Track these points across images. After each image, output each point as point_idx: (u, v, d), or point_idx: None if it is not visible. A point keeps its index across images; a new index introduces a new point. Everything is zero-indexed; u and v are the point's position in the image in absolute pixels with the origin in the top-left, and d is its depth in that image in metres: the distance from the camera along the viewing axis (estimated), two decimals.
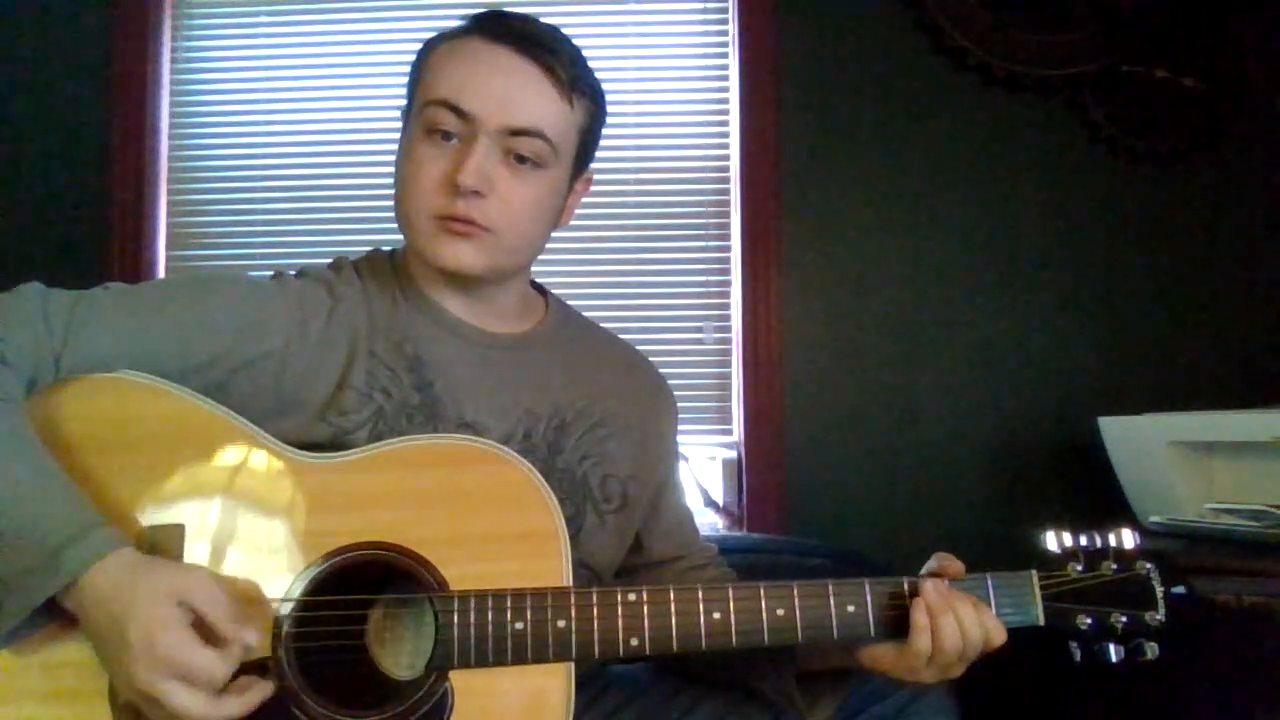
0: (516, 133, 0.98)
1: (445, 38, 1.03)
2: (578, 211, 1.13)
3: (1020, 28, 2.04)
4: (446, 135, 0.98)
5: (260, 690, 0.83)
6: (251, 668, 0.83)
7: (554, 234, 1.10)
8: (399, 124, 1.07)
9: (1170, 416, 1.67)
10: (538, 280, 1.17)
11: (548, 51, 0.99)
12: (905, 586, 0.93)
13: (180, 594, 0.79)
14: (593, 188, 1.14)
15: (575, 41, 1.04)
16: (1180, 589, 0.93)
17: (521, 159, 0.99)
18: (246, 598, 0.86)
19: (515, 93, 0.98)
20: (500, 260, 1.01)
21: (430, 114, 0.98)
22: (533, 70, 0.98)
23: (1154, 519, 1.63)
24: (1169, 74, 2.04)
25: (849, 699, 1.05)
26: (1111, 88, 2.05)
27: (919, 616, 0.90)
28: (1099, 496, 1.79)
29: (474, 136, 0.97)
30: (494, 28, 1.00)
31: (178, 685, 0.76)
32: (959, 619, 0.90)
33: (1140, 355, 2.04)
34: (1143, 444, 1.69)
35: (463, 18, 1.04)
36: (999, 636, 0.91)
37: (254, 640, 0.82)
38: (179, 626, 0.78)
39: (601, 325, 1.23)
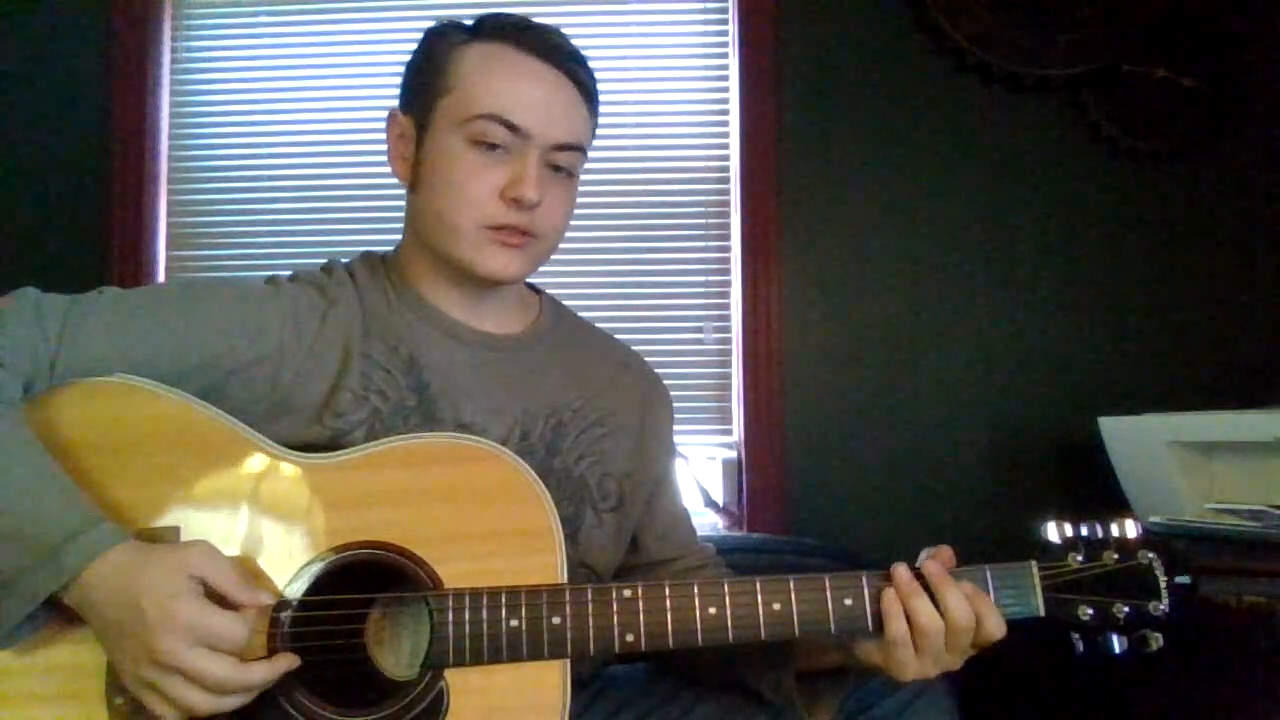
0: (560, 147, 1.01)
1: (466, 40, 1.03)
2: (578, 211, 1.13)
3: (1020, 28, 2.04)
4: (492, 146, 1.00)
5: (286, 660, 0.84)
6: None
7: None
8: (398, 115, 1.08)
9: (1170, 416, 1.66)
10: (538, 280, 1.17)
11: (580, 66, 1.03)
12: None
13: (188, 567, 0.80)
14: (594, 188, 1.16)
15: (575, 42, 1.06)
16: (1184, 578, 0.92)
17: (557, 168, 1.02)
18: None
19: (560, 109, 1.01)
20: (536, 265, 1.06)
21: (480, 127, 0.99)
22: (569, 86, 1.02)
23: (1154, 519, 1.62)
24: (1169, 74, 2.04)
25: (849, 698, 1.04)
26: (1111, 88, 2.05)
27: (888, 604, 0.89)
28: (1099, 496, 1.79)
29: (525, 150, 1.00)
30: (529, 40, 1.02)
31: (204, 652, 0.77)
32: (942, 600, 0.89)
33: (1140, 355, 2.04)
34: (1143, 444, 1.69)
35: (470, 17, 1.05)
36: (996, 624, 0.90)
37: (268, 601, 0.83)
38: (193, 595, 0.79)
39: (595, 324, 1.23)
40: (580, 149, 1.04)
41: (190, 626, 0.77)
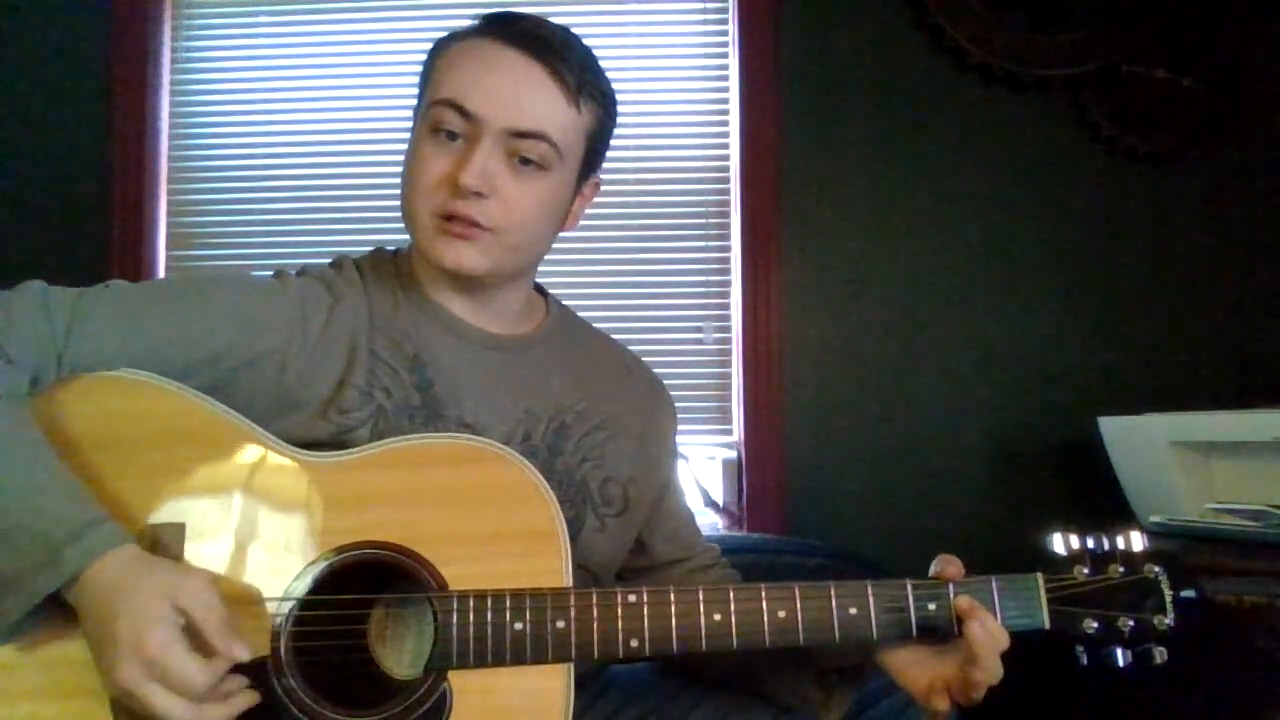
0: (520, 135, 0.97)
1: (456, 38, 1.02)
2: None
3: (1020, 28, 2.04)
4: (451, 135, 0.98)
5: (247, 698, 0.82)
6: (250, 666, 0.83)
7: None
8: (398, 123, 1.08)
9: (1170, 416, 1.67)
10: (538, 280, 1.17)
11: (557, 55, 0.99)
12: (909, 588, 0.93)
13: (175, 596, 0.79)
14: None
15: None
16: (1190, 592, 0.92)
17: (525, 161, 0.99)
18: (245, 598, 0.86)
19: (520, 95, 0.97)
20: (502, 261, 1.01)
21: (436, 113, 0.98)
22: (540, 73, 0.98)
23: (1154, 519, 1.63)
24: (1169, 74, 2.04)
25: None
26: (1111, 88, 2.05)
27: (977, 628, 0.90)
28: (1099, 496, 1.79)
29: (478, 137, 0.97)
30: (504, 30, 0.99)
31: (158, 688, 0.76)
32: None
33: (1140, 355, 2.05)
34: (1143, 444, 1.69)
35: (471, 17, 1.03)
36: (1002, 641, 0.91)
37: (242, 656, 0.81)
38: (168, 628, 0.77)
39: (598, 327, 1.23)
40: (546, 138, 0.98)
41: (153, 661, 0.76)
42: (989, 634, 0.89)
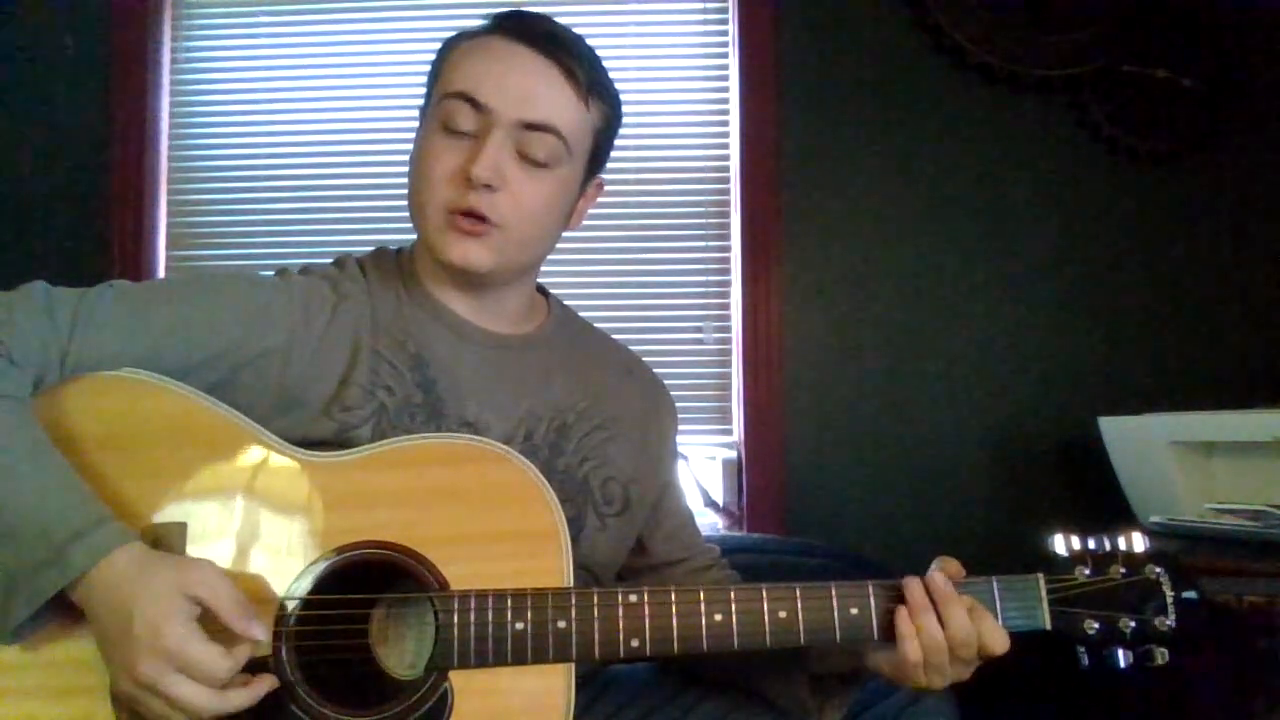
0: (531, 127, 0.98)
1: (466, 36, 1.03)
2: None
3: (1020, 28, 2.04)
4: (462, 130, 0.99)
5: (266, 682, 0.83)
6: (252, 666, 0.83)
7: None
8: (399, 123, 1.08)
9: (1170, 416, 1.67)
10: (540, 281, 1.17)
11: (568, 52, 1.00)
12: None
13: (188, 587, 0.79)
14: None
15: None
16: (1191, 593, 0.92)
17: (536, 164, 0.99)
18: (249, 595, 0.86)
19: (532, 88, 0.98)
20: (509, 257, 1.02)
21: (447, 107, 0.99)
22: (551, 69, 0.99)
23: (1154, 519, 1.63)
24: (1169, 74, 2.04)
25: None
26: (1111, 88, 2.05)
27: (903, 625, 0.90)
28: (1099, 496, 1.79)
29: (489, 130, 0.97)
30: (515, 27, 1.01)
31: (181, 679, 0.77)
32: (944, 616, 0.89)
33: (1140, 355, 2.05)
34: (1143, 444, 1.69)
35: (472, 16, 1.04)
36: (998, 643, 0.90)
37: (261, 636, 0.82)
38: (185, 619, 0.78)
39: (599, 328, 1.23)
40: (556, 132, 0.99)
41: (173, 652, 0.76)
42: (919, 624, 0.89)
